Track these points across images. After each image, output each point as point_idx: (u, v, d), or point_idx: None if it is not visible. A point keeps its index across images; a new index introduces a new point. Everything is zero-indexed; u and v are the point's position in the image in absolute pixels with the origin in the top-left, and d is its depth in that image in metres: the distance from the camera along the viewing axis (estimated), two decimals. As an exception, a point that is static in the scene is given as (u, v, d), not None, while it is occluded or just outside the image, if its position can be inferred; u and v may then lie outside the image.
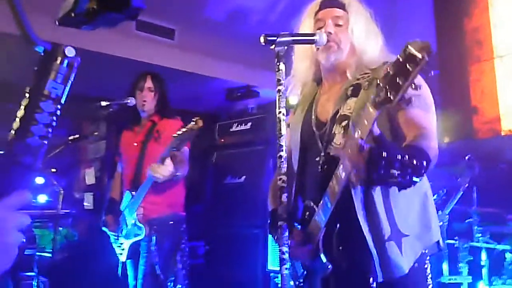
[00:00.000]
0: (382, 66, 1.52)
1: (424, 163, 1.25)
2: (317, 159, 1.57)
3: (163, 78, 2.96)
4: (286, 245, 1.40)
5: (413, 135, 1.42)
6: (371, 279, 1.45)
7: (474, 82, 3.82)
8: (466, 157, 2.75)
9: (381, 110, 1.16)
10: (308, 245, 1.56)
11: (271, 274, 3.60)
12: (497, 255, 2.81)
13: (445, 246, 2.70)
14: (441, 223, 2.71)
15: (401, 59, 1.09)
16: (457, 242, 2.85)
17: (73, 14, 0.70)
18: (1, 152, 0.62)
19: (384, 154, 1.18)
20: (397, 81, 1.09)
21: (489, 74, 3.71)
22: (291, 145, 1.71)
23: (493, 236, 2.87)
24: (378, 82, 1.16)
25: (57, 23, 0.75)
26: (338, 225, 1.48)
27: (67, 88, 0.67)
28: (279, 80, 1.48)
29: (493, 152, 3.48)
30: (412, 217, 1.49)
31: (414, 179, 1.24)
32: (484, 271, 2.81)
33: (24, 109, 0.64)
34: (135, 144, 2.80)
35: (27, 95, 0.65)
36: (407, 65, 1.07)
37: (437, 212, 2.70)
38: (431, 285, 1.53)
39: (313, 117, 1.64)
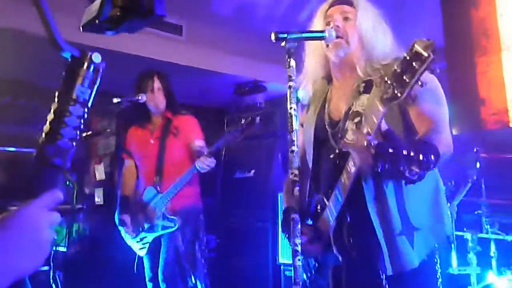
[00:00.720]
0: (394, 62, 1.54)
1: (432, 157, 1.26)
2: (331, 155, 1.60)
3: (168, 74, 3.01)
4: (299, 237, 1.44)
5: (425, 130, 1.44)
6: (381, 273, 1.48)
7: (481, 74, 3.80)
8: (475, 149, 2.75)
9: (389, 106, 1.19)
10: (319, 241, 1.59)
11: (282, 267, 3.65)
12: (506, 246, 2.82)
13: (454, 238, 2.71)
14: (450, 214, 2.73)
15: (408, 57, 1.12)
16: (466, 233, 2.87)
17: (97, 21, 0.73)
18: (34, 153, 0.66)
19: (391, 150, 1.21)
20: (404, 78, 1.12)
21: (497, 65, 3.69)
22: (305, 143, 1.74)
23: (502, 227, 2.88)
24: (386, 79, 1.19)
25: (81, 29, 0.78)
26: (349, 218, 1.51)
27: (94, 92, 0.70)
28: (290, 77, 1.51)
29: (501, 143, 3.48)
30: (424, 210, 1.51)
31: (422, 174, 1.26)
32: (493, 261, 2.83)
33: (54, 112, 0.67)
34: (152, 141, 2.86)
35: (56, 99, 0.68)
36: (414, 63, 1.10)
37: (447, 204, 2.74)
38: (440, 280, 1.55)
39: (326, 116, 1.67)
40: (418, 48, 1.10)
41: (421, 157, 1.24)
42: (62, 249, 3.87)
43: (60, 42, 0.68)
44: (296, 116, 1.49)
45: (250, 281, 3.88)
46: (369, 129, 1.26)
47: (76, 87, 0.68)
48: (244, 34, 4.33)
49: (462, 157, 2.88)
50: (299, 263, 1.42)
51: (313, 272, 1.69)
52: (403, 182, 1.45)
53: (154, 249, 2.78)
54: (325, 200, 1.58)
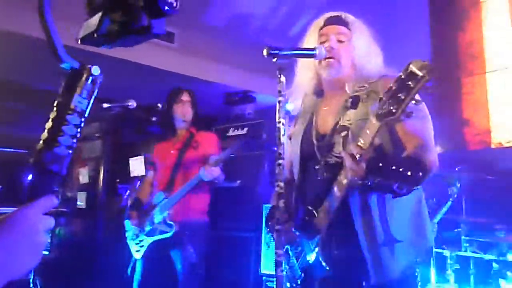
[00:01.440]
0: (380, 80, 1.59)
1: (420, 174, 1.31)
2: (317, 167, 1.64)
3: (192, 90, 3.18)
4: (282, 249, 1.47)
5: (413, 146, 1.49)
6: (363, 282, 1.52)
7: (466, 94, 3.91)
8: (456, 168, 2.82)
9: (384, 122, 1.24)
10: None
11: (264, 277, 3.65)
12: (484, 264, 2.88)
13: (434, 255, 2.76)
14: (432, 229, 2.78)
15: (403, 76, 1.17)
16: (445, 250, 2.93)
17: (95, 35, 0.75)
18: (31, 160, 0.68)
19: (381, 164, 1.25)
20: (400, 96, 1.17)
21: (481, 87, 3.81)
22: (292, 155, 1.78)
23: (481, 245, 2.95)
24: (382, 96, 1.23)
25: (78, 41, 0.80)
26: (335, 230, 1.55)
27: (91, 103, 0.73)
28: (279, 92, 1.54)
29: (483, 163, 3.57)
30: (406, 224, 1.56)
31: (409, 189, 1.30)
32: (472, 279, 2.89)
33: (52, 121, 0.69)
34: (172, 152, 3.00)
35: (54, 108, 0.70)
36: (409, 82, 1.15)
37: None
38: None
39: (313, 129, 1.71)
40: (413, 68, 1.16)
41: (409, 173, 1.28)
42: (44, 252, 3.82)
43: (60, 54, 0.70)
44: (284, 130, 1.53)
45: (231, 291, 3.88)
46: (363, 143, 1.30)
47: (74, 97, 0.70)
48: (236, 44, 4.38)
49: (445, 175, 2.94)
50: (282, 273, 1.45)
51: (298, 282, 1.71)
52: (389, 196, 1.49)
53: (149, 255, 2.85)
54: (313, 210, 1.61)
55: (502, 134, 3.61)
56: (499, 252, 2.75)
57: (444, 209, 2.82)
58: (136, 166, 5.05)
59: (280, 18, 4.25)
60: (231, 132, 4.29)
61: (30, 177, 0.67)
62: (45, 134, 0.68)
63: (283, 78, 1.55)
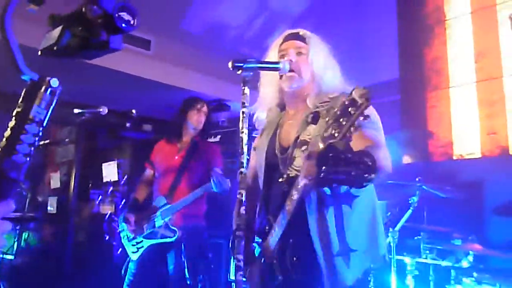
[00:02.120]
0: (340, 96, 1.68)
1: (370, 162, 1.31)
2: (280, 180, 1.71)
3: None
4: (242, 254, 1.53)
5: (364, 146, 1.55)
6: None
7: (431, 108, 4.08)
8: (417, 179, 2.94)
9: (327, 145, 1.30)
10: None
11: (233, 283, 3.70)
12: (443, 271, 3.00)
13: (394, 261, 2.87)
14: (391, 239, 2.89)
15: (346, 102, 1.25)
16: (405, 257, 3.04)
17: (55, 48, 0.81)
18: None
19: (330, 154, 1.30)
20: (341, 121, 1.25)
21: (445, 101, 3.98)
22: (257, 166, 1.85)
23: (440, 253, 3.07)
24: (327, 119, 1.31)
25: (39, 53, 0.86)
26: (292, 240, 1.62)
27: (49, 113, 0.78)
28: (243, 103, 1.61)
29: (445, 174, 3.73)
30: (361, 234, 1.64)
31: (361, 177, 1.33)
32: (431, 285, 3.00)
33: (11, 129, 0.74)
34: (176, 157, 3.06)
35: (13, 117, 0.75)
36: (350, 108, 1.23)
37: (389, 229, 2.90)
38: None
39: (276, 142, 1.79)
40: (355, 95, 1.23)
41: (359, 159, 1.30)
42: (9, 257, 3.77)
43: (20, 66, 0.75)
44: (247, 140, 1.60)
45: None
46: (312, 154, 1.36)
47: (33, 108, 0.75)
48: (211, 53, 4.44)
49: (407, 185, 3.06)
50: (240, 278, 1.51)
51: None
52: (349, 207, 1.57)
53: (144, 257, 2.88)
54: (272, 221, 1.69)
55: (463, 147, 3.78)
56: (456, 259, 2.88)
57: (405, 218, 2.93)
58: (109, 171, 5.04)
59: (255, 28, 4.35)
60: (204, 140, 4.33)
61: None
62: (3, 142, 0.73)
63: (247, 90, 1.61)
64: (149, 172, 3.20)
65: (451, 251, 2.95)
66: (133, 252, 2.92)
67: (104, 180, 5.03)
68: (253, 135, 2.10)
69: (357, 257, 1.60)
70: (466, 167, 3.65)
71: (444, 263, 2.91)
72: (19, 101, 0.76)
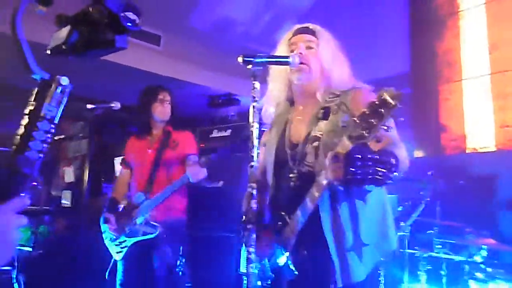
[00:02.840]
0: (350, 91, 1.67)
1: (393, 161, 1.33)
2: (290, 175, 1.70)
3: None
4: (253, 246, 1.53)
5: (385, 146, 1.54)
6: (331, 285, 1.59)
7: (443, 101, 4.03)
8: (429, 172, 2.92)
9: (355, 144, 1.31)
10: (273, 246, 1.70)
11: (244, 276, 3.72)
12: (456, 266, 2.98)
13: (407, 256, 2.85)
14: (403, 233, 2.88)
15: (376, 102, 1.24)
16: (417, 252, 3.02)
17: (63, 47, 0.82)
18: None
19: (357, 155, 1.30)
20: (371, 121, 1.25)
21: (458, 94, 3.92)
22: (266, 162, 1.85)
23: (452, 247, 3.05)
24: (355, 119, 1.30)
25: (48, 52, 0.87)
26: (305, 236, 1.62)
27: (60, 110, 0.79)
28: (254, 97, 1.61)
29: (458, 168, 3.69)
30: (372, 228, 1.64)
31: (387, 176, 1.32)
32: (444, 280, 2.98)
33: (24, 127, 0.76)
34: (150, 151, 2.95)
35: (26, 115, 0.77)
36: (381, 109, 1.23)
37: (400, 223, 2.89)
38: None
39: (286, 138, 1.78)
40: (386, 96, 1.23)
41: (385, 158, 1.32)
42: (27, 249, 3.84)
43: (31, 65, 0.77)
44: (257, 134, 1.60)
45: (212, 290, 3.93)
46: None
47: (44, 106, 0.77)
48: (220, 48, 4.44)
49: (420, 179, 3.04)
50: (252, 271, 1.52)
51: (269, 282, 1.78)
52: (362, 202, 1.57)
53: (130, 255, 2.83)
54: (286, 216, 1.69)
55: (477, 140, 3.74)
56: (469, 253, 2.85)
57: (417, 212, 2.91)
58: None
59: (263, 24, 4.34)
60: (214, 134, 4.34)
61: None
62: (17, 139, 0.75)
63: (257, 84, 1.61)
64: (124, 171, 3.10)
65: (464, 245, 2.93)
66: (117, 252, 2.86)
67: (116, 174, 5.08)
68: (262, 129, 2.10)
69: (368, 251, 1.60)
70: (479, 161, 3.61)
71: (457, 258, 2.88)
72: (31, 100, 0.78)
